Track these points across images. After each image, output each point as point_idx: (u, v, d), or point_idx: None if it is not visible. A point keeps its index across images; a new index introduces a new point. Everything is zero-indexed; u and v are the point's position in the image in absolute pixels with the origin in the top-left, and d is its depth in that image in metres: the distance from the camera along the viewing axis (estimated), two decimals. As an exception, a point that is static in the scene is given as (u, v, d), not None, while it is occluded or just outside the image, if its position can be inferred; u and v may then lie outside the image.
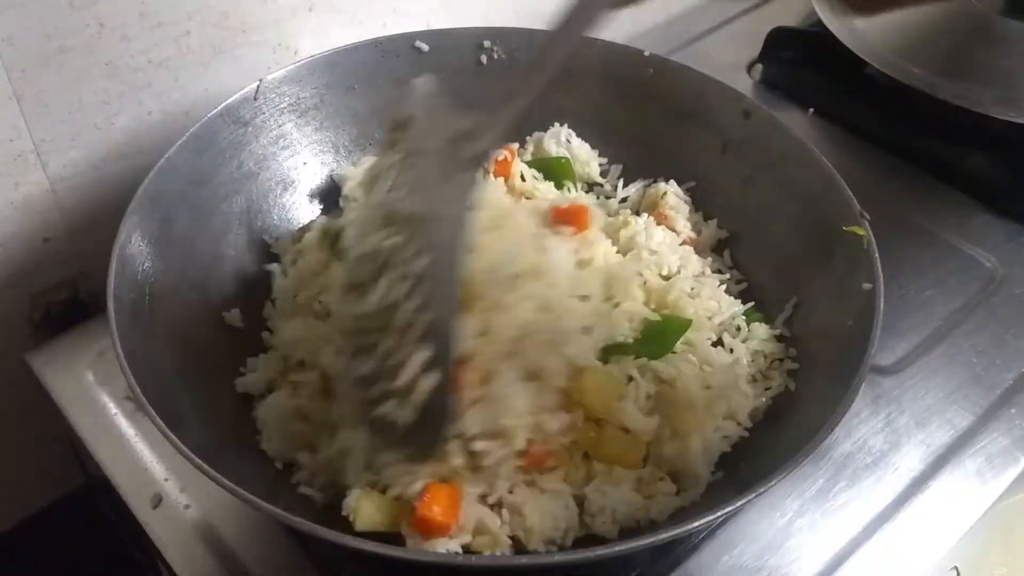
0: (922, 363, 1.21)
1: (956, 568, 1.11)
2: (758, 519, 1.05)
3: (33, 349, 1.22)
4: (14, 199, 1.17)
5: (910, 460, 1.12)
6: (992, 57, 1.50)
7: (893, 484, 1.09)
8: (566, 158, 1.28)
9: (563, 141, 1.31)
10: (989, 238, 1.38)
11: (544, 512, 0.91)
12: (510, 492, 0.92)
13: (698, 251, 1.21)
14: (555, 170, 1.27)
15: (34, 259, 1.24)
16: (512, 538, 0.91)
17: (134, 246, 1.01)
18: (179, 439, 0.85)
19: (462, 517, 0.87)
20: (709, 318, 1.10)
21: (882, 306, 0.98)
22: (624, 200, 1.29)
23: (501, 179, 1.22)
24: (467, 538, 0.86)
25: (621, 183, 1.30)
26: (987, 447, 1.13)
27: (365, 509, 0.86)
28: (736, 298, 1.15)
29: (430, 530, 0.85)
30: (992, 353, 1.23)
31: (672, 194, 1.24)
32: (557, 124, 1.33)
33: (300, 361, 1.05)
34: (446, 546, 0.84)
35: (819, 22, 1.58)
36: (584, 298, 1.03)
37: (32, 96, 1.11)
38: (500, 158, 1.22)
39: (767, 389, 1.05)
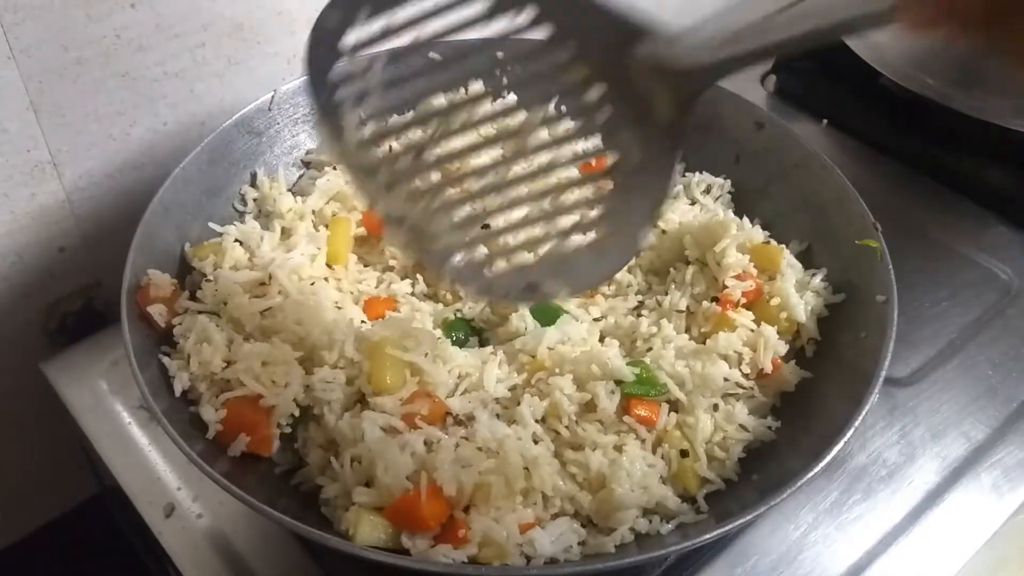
0: (937, 375, 1.21)
1: (972, 582, 1.10)
2: (771, 531, 1.05)
3: (48, 358, 1.22)
4: (30, 209, 1.18)
5: (925, 473, 1.11)
6: (1006, 68, 1.49)
7: (908, 497, 1.09)
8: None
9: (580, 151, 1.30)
10: (1005, 250, 1.37)
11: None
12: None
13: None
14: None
15: (49, 268, 1.25)
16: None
17: (148, 256, 1.02)
18: (191, 449, 0.85)
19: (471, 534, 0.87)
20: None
21: (896, 318, 0.98)
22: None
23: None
24: (473, 549, 0.85)
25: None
26: (1003, 460, 1.12)
27: (365, 525, 0.86)
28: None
29: (413, 521, 0.86)
30: (1008, 365, 1.22)
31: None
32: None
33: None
34: (452, 556, 0.84)
35: (833, 33, 1.58)
36: None
37: (49, 107, 1.12)
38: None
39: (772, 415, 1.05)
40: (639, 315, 1.09)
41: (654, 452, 0.97)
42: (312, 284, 1.07)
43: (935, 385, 1.20)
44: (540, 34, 0.77)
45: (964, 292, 1.31)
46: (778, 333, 1.04)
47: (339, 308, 1.05)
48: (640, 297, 1.13)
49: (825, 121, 1.57)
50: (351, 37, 0.77)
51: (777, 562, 1.02)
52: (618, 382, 0.97)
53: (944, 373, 1.21)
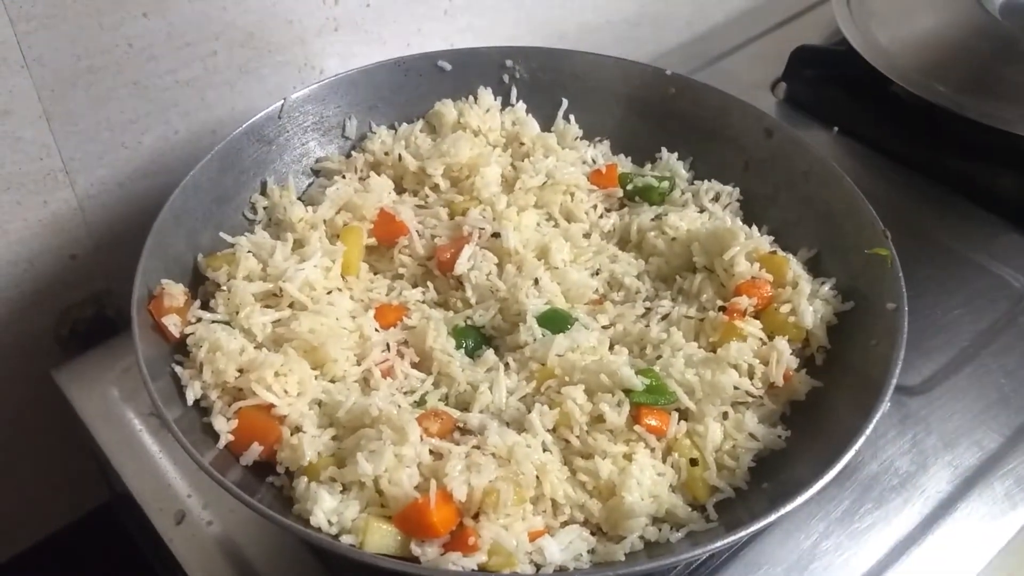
0: (949, 383, 1.20)
1: (985, 592, 1.09)
2: (783, 540, 1.04)
3: (59, 365, 1.23)
4: (42, 216, 1.19)
5: (937, 482, 1.10)
6: (1019, 75, 1.49)
7: (920, 506, 1.08)
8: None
9: (589, 159, 1.31)
10: (1017, 257, 1.36)
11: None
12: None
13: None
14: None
15: (61, 276, 1.25)
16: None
17: (159, 263, 1.02)
18: (203, 457, 0.85)
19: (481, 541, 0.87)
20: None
21: (906, 326, 0.98)
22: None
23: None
24: (482, 557, 0.85)
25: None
26: (1016, 469, 1.12)
27: (374, 532, 0.86)
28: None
29: (422, 528, 0.86)
30: (1021, 373, 1.21)
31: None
32: (587, 141, 1.33)
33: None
34: (461, 563, 0.84)
35: (844, 40, 1.58)
36: None
37: (61, 115, 1.13)
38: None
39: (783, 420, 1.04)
40: (646, 325, 1.09)
41: (664, 461, 0.97)
42: (329, 293, 1.08)
43: (947, 393, 1.19)
44: None
45: (976, 300, 1.30)
46: (788, 341, 1.04)
47: (353, 318, 1.06)
48: (648, 304, 1.13)
49: (836, 128, 1.57)
50: None
51: (788, 571, 1.02)
52: (627, 391, 0.97)
53: (956, 381, 1.20)
